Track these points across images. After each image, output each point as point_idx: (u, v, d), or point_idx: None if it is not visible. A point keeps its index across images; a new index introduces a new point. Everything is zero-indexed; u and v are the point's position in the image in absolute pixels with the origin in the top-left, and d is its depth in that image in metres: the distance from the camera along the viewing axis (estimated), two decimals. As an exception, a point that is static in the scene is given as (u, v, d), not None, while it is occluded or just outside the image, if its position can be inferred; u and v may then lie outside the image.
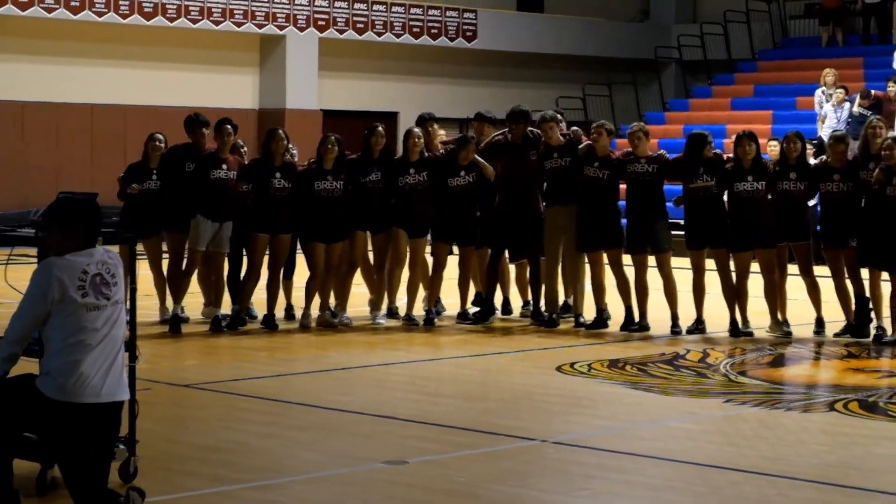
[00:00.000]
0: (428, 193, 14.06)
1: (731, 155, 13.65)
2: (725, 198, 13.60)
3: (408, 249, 14.16)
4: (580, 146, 14.03)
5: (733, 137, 13.78)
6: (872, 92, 23.93)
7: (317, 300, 13.91)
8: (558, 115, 14.60)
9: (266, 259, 13.79)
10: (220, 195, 13.53)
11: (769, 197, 13.46)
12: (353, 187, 13.87)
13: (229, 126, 13.65)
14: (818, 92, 24.84)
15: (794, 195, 13.40)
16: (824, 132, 22.99)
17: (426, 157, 14.18)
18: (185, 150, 13.97)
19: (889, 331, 13.13)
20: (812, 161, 14.12)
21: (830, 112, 24.03)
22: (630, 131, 13.95)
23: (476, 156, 14.11)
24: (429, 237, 14.35)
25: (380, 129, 14.23)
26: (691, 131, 14.12)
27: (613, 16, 32.44)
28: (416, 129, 14.34)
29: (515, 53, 30.32)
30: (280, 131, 13.81)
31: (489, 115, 15.11)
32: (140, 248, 13.83)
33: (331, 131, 14.78)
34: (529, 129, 14.31)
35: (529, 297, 14.64)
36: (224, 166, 13.58)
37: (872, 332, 13.23)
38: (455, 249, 14.52)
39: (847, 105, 23.98)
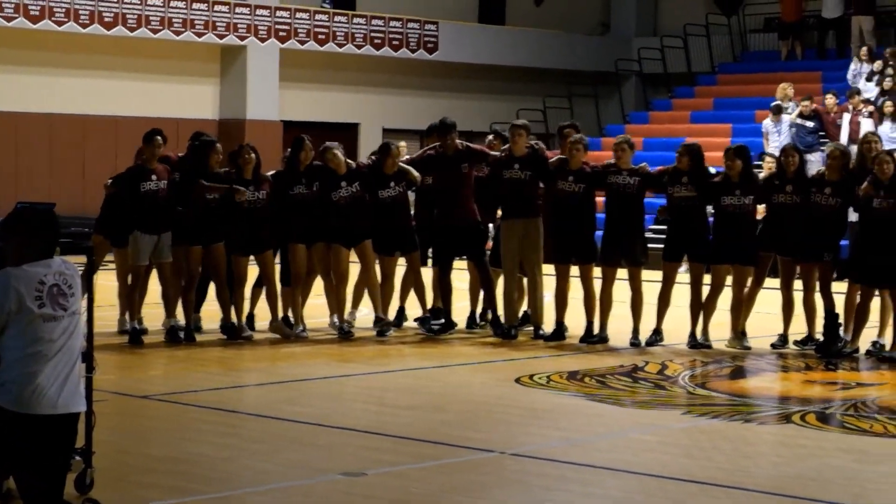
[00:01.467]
0: (362, 205, 14.02)
1: (719, 168, 13.72)
2: (710, 211, 13.66)
3: (349, 262, 14.13)
4: (551, 160, 14.03)
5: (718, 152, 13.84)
6: (812, 102, 24.14)
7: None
8: (528, 125, 14.57)
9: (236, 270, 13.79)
10: (154, 207, 13.43)
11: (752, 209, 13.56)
12: (280, 199, 13.85)
13: (160, 137, 13.55)
14: (775, 105, 24.96)
15: (789, 208, 13.44)
16: (770, 147, 23.19)
17: (354, 170, 14.14)
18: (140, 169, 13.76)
19: (889, 344, 13.12)
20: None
21: (770, 127, 24.20)
22: (615, 143, 13.97)
23: (401, 163, 14.12)
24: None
25: (307, 141, 14.16)
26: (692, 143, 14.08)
27: (574, 28, 32.52)
28: (333, 144, 14.22)
29: (476, 65, 30.35)
30: (218, 144, 13.85)
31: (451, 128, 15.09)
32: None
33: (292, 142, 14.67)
34: (460, 141, 14.29)
35: (479, 306, 14.66)
36: (154, 177, 13.43)
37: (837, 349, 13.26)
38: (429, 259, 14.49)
39: (786, 118, 24.18)
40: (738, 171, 13.39)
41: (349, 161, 14.23)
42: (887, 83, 24.76)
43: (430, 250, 14.61)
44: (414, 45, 29.25)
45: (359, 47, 28.42)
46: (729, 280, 13.56)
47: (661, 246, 13.86)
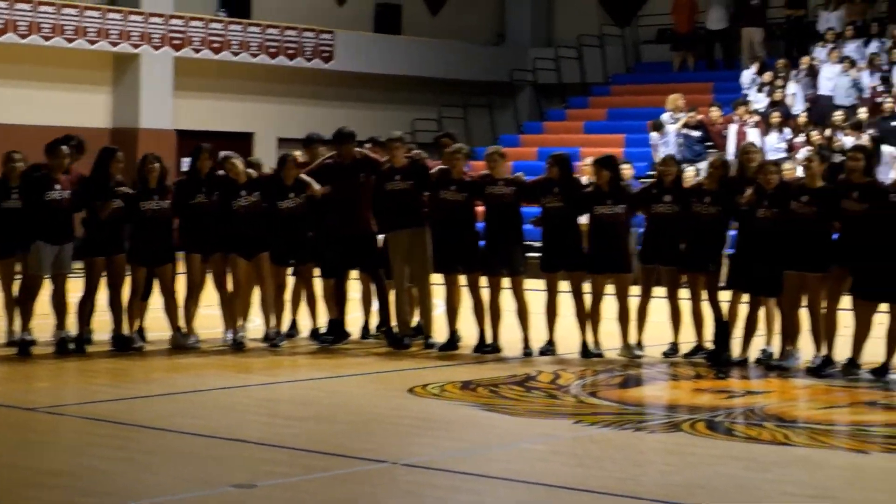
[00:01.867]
0: (261, 214, 13.98)
1: (590, 179, 13.82)
2: (583, 221, 13.75)
3: (246, 273, 14.08)
4: (432, 170, 14.08)
5: (588, 160, 13.94)
6: (696, 113, 24.47)
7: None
8: (404, 137, 14.62)
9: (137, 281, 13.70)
10: (56, 217, 13.28)
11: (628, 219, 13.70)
12: (181, 209, 13.77)
13: (65, 147, 13.41)
14: (665, 117, 25.23)
15: (669, 218, 13.58)
16: (658, 158, 23.44)
17: (254, 179, 14.11)
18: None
19: (737, 352, 13.35)
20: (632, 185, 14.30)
21: (657, 139, 24.48)
22: (487, 153, 14.04)
23: (302, 174, 14.10)
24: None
25: (206, 150, 14.11)
26: (560, 153, 14.16)
27: (469, 38, 32.62)
28: (232, 154, 14.18)
29: (372, 75, 30.35)
30: (120, 153, 13.74)
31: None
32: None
33: (187, 151, 14.62)
34: (357, 150, 14.31)
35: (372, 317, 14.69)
36: (58, 187, 13.28)
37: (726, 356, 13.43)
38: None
39: (671, 129, 24.47)
40: (607, 180, 13.52)
41: (250, 171, 14.19)
42: (777, 94, 25.13)
43: (324, 260, 14.54)
44: (309, 55, 29.18)
45: (254, 56, 28.29)
46: (612, 290, 13.67)
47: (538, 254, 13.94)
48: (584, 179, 14.20)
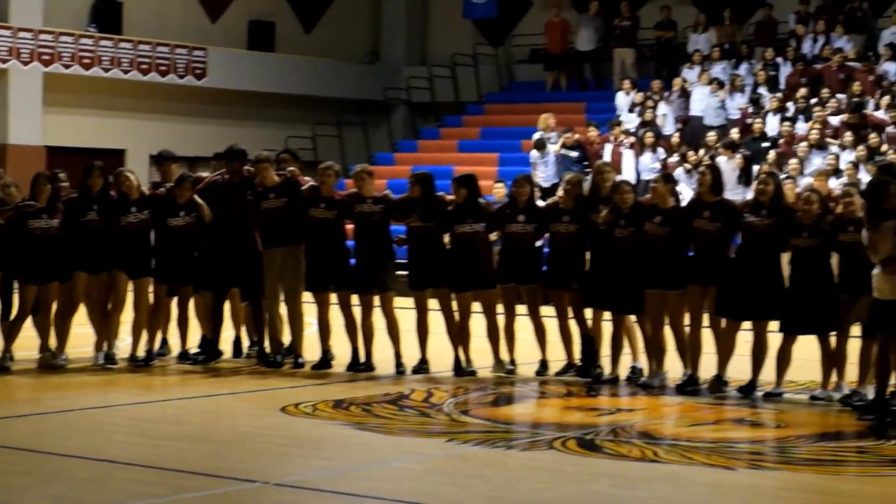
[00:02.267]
0: (149, 233, 13.90)
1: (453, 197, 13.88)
2: (447, 238, 13.81)
3: (128, 291, 13.96)
4: (303, 188, 14.06)
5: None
6: (574, 133, 24.72)
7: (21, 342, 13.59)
8: (271, 156, 14.59)
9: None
10: None
11: (493, 238, 13.77)
12: (72, 227, 13.62)
13: None
14: (536, 136, 25.41)
15: (523, 237, 13.67)
16: (538, 177, 23.67)
17: (146, 196, 14.04)
18: None
19: (608, 370, 13.48)
20: (540, 203, 14.41)
21: (538, 158, 24.69)
22: (355, 172, 14.06)
23: (195, 196, 14.02)
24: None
25: (98, 168, 13.98)
26: (422, 172, 14.22)
27: (344, 57, 32.62)
28: (126, 170, 14.17)
29: (245, 92, 30.21)
30: None
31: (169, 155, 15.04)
32: None
33: (55, 168, 14.49)
34: (246, 168, 14.27)
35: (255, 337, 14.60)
36: None
37: (596, 371, 13.58)
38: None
39: (551, 148, 24.69)
40: (464, 198, 13.60)
41: (143, 189, 14.11)
42: (647, 114, 25.45)
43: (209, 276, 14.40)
44: (182, 71, 28.97)
45: (125, 72, 28.03)
46: (479, 307, 13.75)
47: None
48: (496, 198, 14.29)
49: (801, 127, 23.79)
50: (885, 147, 21.78)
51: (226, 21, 31.04)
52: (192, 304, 14.34)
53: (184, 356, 14.35)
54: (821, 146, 22.59)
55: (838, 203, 12.64)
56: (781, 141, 23.32)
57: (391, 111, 32.85)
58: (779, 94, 24.99)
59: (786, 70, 26.27)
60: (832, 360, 12.44)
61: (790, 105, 24.67)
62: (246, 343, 14.81)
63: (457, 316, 13.74)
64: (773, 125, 24.07)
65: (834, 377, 12.46)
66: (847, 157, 21.92)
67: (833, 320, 12.32)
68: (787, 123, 23.48)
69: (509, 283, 13.74)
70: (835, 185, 19.60)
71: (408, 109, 32.95)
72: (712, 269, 12.65)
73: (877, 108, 23.59)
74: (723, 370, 12.76)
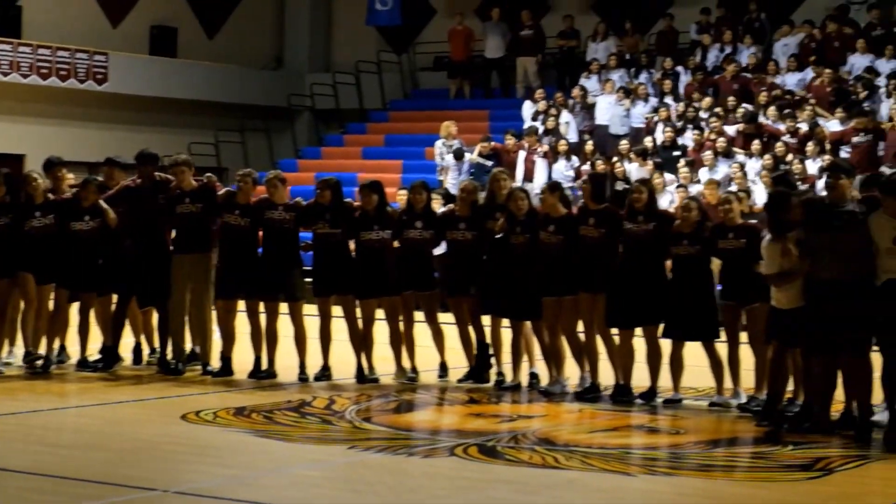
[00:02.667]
0: (55, 237, 13.78)
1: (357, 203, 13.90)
2: (352, 245, 13.81)
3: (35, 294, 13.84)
4: (220, 193, 13.98)
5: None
6: (491, 142, 24.81)
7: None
8: (191, 160, 14.51)
9: None
10: None
11: (395, 245, 13.79)
12: None
13: None
14: (438, 143, 25.52)
15: (420, 244, 13.70)
16: (449, 184, 23.72)
17: (51, 200, 13.92)
18: None
19: (509, 376, 13.55)
20: (440, 210, 14.46)
21: (452, 165, 24.76)
22: (267, 178, 13.99)
23: (101, 200, 13.91)
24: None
25: (1, 174, 13.83)
26: (331, 178, 14.19)
27: (247, 63, 32.49)
28: (34, 173, 14.09)
29: (147, 98, 29.99)
30: None
31: (119, 160, 14.91)
32: None
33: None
34: (157, 173, 14.18)
35: (157, 343, 14.49)
36: None
37: (493, 377, 13.65)
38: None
39: (468, 156, 24.77)
40: (374, 205, 13.62)
41: (50, 194, 13.97)
42: (550, 122, 25.58)
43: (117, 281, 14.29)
44: (83, 76, 28.70)
45: (24, 76, 27.71)
46: (381, 314, 13.77)
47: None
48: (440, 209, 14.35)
49: (689, 137, 24.04)
50: (790, 157, 22.03)
51: (127, 26, 30.80)
52: (92, 310, 14.23)
53: (83, 364, 14.21)
54: (727, 154, 22.82)
55: (718, 210, 12.85)
56: (690, 149, 23.52)
57: (295, 118, 32.76)
58: (679, 105, 25.21)
59: (686, 79, 26.53)
60: (720, 366, 12.60)
61: (689, 114, 24.90)
62: (146, 350, 14.70)
63: (360, 323, 13.74)
64: (665, 134, 24.25)
65: (731, 384, 12.61)
66: (754, 166, 22.19)
67: (714, 327, 12.49)
68: (696, 132, 23.66)
69: (407, 290, 13.76)
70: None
71: (312, 116, 32.88)
72: (598, 277, 12.77)
73: (765, 117, 23.85)
74: (627, 379, 12.86)
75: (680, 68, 26.83)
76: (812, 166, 21.63)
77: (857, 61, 25.10)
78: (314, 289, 13.79)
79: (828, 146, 22.26)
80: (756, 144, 22.80)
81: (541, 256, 13.03)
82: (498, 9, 29.46)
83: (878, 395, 11.10)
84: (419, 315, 13.92)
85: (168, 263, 14.01)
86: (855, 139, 22.42)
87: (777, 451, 10.57)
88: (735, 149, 23.15)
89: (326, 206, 13.65)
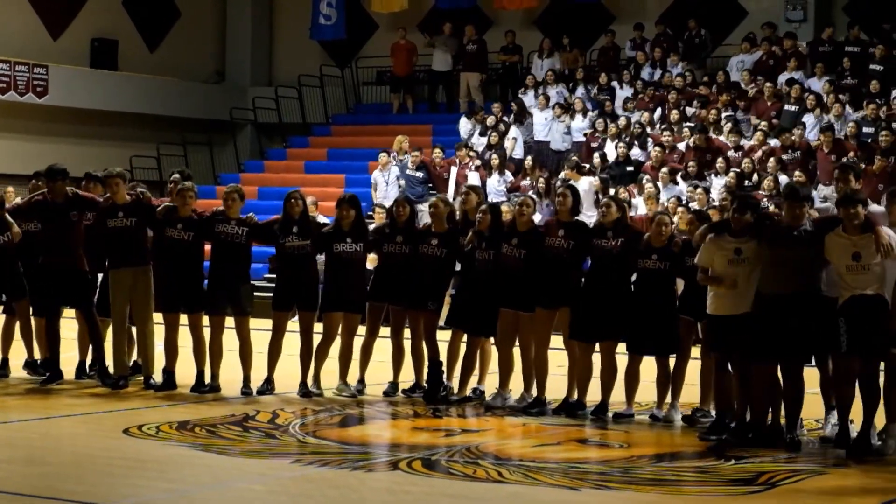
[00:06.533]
0: None
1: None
2: (322, 259, 13.78)
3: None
4: (158, 208, 13.88)
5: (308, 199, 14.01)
6: (421, 154, 24.86)
7: None
8: (126, 172, 14.39)
9: None
10: None
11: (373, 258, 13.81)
12: None
13: None
14: (381, 155, 25.44)
15: (400, 258, 13.66)
16: (378, 198, 23.79)
17: None
18: None
19: (456, 388, 13.54)
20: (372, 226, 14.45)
21: (380, 178, 24.78)
22: (226, 191, 13.90)
23: (5, 214, 13.81)
24: None
25: None
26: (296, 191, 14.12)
27: (189, 76, 32.38)
28: None
29: (88, 111, 29.82)
30: None
31: (58, 171, 14.75)
32: None
33: None
34: (70, 188, 14.01)
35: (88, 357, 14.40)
36: None
37: (443, 393, 13.61)
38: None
39: (395, 169, 24.79)
40: (352, 220, 13.60)
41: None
42: (493, 137, 25.64)
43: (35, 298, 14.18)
44: (23, 89, 28.51)
45: (-36, 89, 27.52)
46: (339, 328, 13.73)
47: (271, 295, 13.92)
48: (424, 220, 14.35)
49: (637, 153, 24.13)
50: (755, 178, 22.16)
51: (68, 38, 30.62)
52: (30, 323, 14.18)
53: (30, 366, 14.17)
54: (685, 174, 22.93)
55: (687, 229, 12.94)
56: (648, 164, 23.59)
57: (237, 131, 32.67)
58: (621, 119, 25.31)
59: (623, 95, 26.64)
60: (667, 383, 12.64)
61: (631, 130, 25.01)
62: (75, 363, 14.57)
63: (317, 337, 13.68)
64: (611, 150, 24.35)
65: (671, 398, 12.66)
66: (718, 183, 22.30)
67: (675, 342, 12.53)
68: (658, 149, 23.70)
69: (381, 301, 13.72)
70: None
71: (254, 130, 32.81)
72: (562, 292, 12.76)
73: (713, 133, 24.00)
74: (582, 394, 12.87)
75: (617, 84, 26.96)
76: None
77: (796, 78, 25.28)
78: (274, 302, 13.72)
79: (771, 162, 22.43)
80: (720, 162, 22.76)
81: (501, 269, 13.01)
82: (449, 23, 29.51)
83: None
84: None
85: (81, 279, 13.86)
86: (784, 157, 22.62)
87: (721, 465, 10.60)
88: (690, 168, 23.12)
89: (295, 220, 13.59)
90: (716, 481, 10.06)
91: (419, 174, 24.75)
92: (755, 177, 22.17)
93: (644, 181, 22.57)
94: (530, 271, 12.92)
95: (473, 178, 24.23)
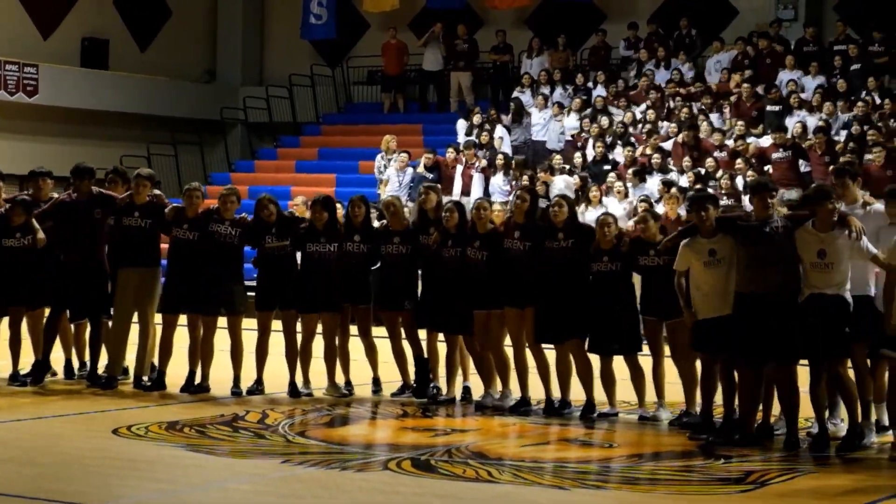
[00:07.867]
0: None
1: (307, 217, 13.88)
2: (299, 259, 13.80)
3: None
4: (167, 209, 13.89)
5: (297, 199, 14.00)
6: (434, 155, 24.81)
7: None
8: (154, 175, 14.37)
9: None
10: None
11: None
12: None
13: None
14: (378, 157, 25.54)
15: (357, 257, 13.68)
16: (387, 195, 23.70)
17: None
18: None
19: (445, 390, 13.56)
20: (375, 224, 14.45)
21: (393, 176, 24.75)
22: (222, 192, 13.92)
23: (33, 219, 13.83)
24: None
25: None
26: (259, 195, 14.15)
27: (179, 76, 32.36)
28: None
29: (79, 110, 29.79)
30: None
31: (41, 171, 14.75)
32: None
33: None
34: (94, 186, 14.06)
35: (88, 358, 14.38)
36: None
37: (432, 392, 13.62)
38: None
39: (410, 170, 24.77)
40: (325, 221, 13.61)
41: None
42: (484, 137, 25.63)
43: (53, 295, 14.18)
44: (13, 88, 28.48)
45: (-47, 88, 27.50)
46: (320, 328, 13.73)
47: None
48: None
49: (619, 152, 24.14)
50: (720, 173, 22.15)
51: (58, 38, 30.59)
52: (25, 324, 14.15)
53: (14, 378, 14.09)
54: (662, 170, 22.92)
55: (637, 227, 12.96)
56: (621, 164, 23.61)
57: (228, 131, 32.65)
58: (602, 120, 25.25)
59: (609, 93, 26.63)
60: (642, 378, 12.70)
61: (613, 129, 25.03)
62: (76, 364, 14.58)
63: (300, 337, 13.69)
64: (597, 149, 24.35)
65: (655, 397, 12.69)
66: (683, 182, 22.31)
67: (637, 340, 12.57)
68: (629, 148, 23.75)
69: (344, 302, 13.74)
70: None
71: (245, 129, 32.79)
72: (523, 291, 12.79)
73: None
74: (565, 393, 12.89)
75: (601, 83, 26.95)
76: (741, 182, 21.79)
77: (786, 77, 25.30)
78: (256, 303, 13.75)
79: (752, 162, 22.45)
80: (687, 161, 22.81)
81: (468, 271, 13.04)
82: (441, 23, 29.51)
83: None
84: (353, 329, 13.89)
85: (103, 278, 13.90)
86: (775, 155, 22.61)
87: (710, 465, 10.62)
88: (666, 164, 23.16)
89: (272, 221, 13.61)
90: (705, 480, 10.08)
91: (430, 175, 24.71)
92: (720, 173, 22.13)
93: (614, 180, 22.48)
94: (493, 272, 12.93)
95: (478, 178, 24.28)
